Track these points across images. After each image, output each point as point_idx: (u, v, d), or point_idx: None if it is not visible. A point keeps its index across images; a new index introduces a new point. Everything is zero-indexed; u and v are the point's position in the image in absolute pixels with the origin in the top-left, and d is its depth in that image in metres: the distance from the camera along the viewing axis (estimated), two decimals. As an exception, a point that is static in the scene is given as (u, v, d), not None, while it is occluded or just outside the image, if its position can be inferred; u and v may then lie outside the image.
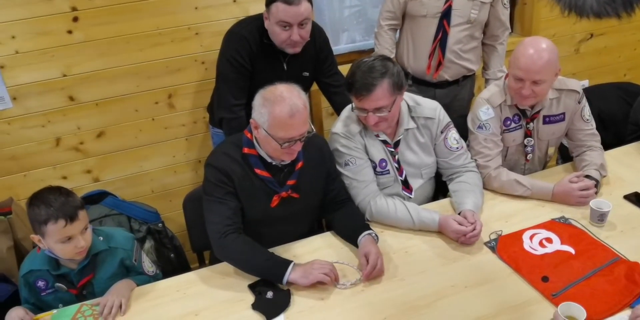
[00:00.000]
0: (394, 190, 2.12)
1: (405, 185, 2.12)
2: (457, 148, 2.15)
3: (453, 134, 2.15)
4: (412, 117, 2.10)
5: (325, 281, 1.73)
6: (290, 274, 1.74)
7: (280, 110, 1.71)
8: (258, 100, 1.78)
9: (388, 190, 2.12)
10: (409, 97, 2.12)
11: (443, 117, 2.14)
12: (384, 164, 2.09)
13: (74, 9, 2.36)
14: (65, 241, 1.68)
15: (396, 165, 2.10)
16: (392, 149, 2.09)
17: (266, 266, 1.79)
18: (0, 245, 2.24)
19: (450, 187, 2.14)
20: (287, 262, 1.77)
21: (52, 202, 1.65)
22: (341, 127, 2.08)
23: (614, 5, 1.00)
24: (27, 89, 2.43)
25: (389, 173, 2.10)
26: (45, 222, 1.64)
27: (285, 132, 1.74)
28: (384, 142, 2.08)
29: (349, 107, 2.09)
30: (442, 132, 2.13)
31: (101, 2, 2.39)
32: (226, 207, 1.84)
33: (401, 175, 2.11)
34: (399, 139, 2.08)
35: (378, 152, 2.08)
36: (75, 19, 2.38)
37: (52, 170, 2.61)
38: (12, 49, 2.34)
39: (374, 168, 2.08)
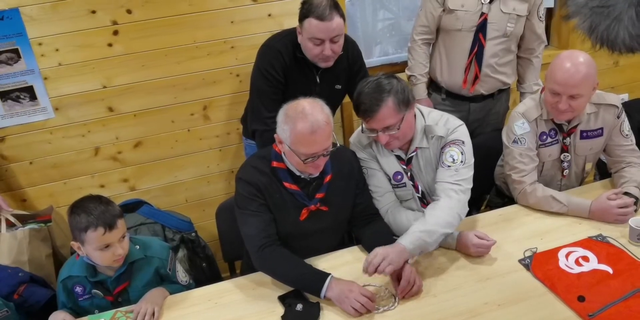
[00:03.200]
0: (413, 206, 2.09)
1: (424, 202, 2.08)
2: (449, 166, 1.96)
3: (451, 150, 1.97)
4: (427, 136, 2.02)
5: (354, 316, 1.70)
6: (327, 291, 1.74)
7: (302, 126, 1.72)
8: (281, 117, 1.79)
9: (409, 204, 2.09)
10: (430, 117, 2.03)
11: (454, 135, 1.98)
12: (398, 176, 2.06)
13: (114, 22, 2.44)
14: (104, 249, 1.73)
15: (411, 182, 2.06)
16: (405, 166, 2.05)
17: (304, 279, 1.79)
18: (40, 252, 2.30)
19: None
20: (324, 276, 1.77)
21: (93, 211, 1.70)
22: (355, 137, 2.09)
23: None
24: (68, 99, 2.51)
25: (405, 186, 2.07)
26: (85, 229, 1.69)
27: (307, 148, 1.74)
28: (398, 157, 2.05)
29: None
30: (442, 148, 2.00)
31: (140, 17, 2.46)
32: (261, 219, 1.86)
33: (418, 192, 2.07)
34: (411, 155, 2.03)
35: (391, 165, 2.05)
36: (116, 33, 2.46)
37: (91, 179, 2.68)
38: (56, 61, 2.43)
39: (389, 180, 2.06)
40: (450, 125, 2.01)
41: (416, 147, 2.02)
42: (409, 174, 2.05)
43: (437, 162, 2.04)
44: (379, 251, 1.76)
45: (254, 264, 1.87)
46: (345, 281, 1.77)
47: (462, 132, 2.02)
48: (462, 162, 1.97)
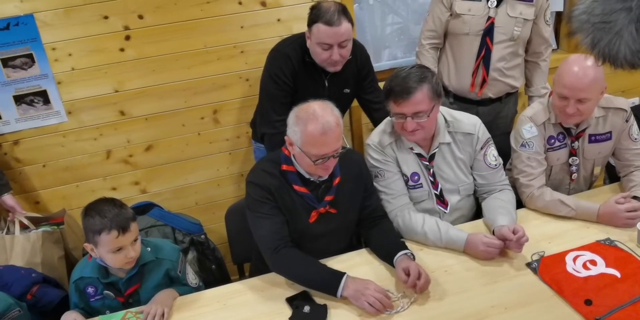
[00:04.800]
0: (428, 205, 2.11)
1: (441, 199, 2.11)
2: (496, 165, 2.14)
3: (492, 150, 2.14)
4: (450, 132, 2.09)
5: (370, 312, 1.71)
6: (343, 289, 1.75)
7: (313, 128, 1.74)
8: (292, 118, 1.81)
9: (423, 204, 2.11)
10: (447, 112, 2.12)
11: (482, 133, 2.12)
12: (416, 177, 2.08)
13: (126, 28, 2.48)
14: (116, 251, 1.75)
15: (431, 179, 2.09)
16: (427, 163, 2.08)
17: (320, 279, 1.80)
18: (52, 254, 2.34)
19: (484, 203, 2.12)
20: (340, 275, 1.78)
21: (107, 213, 1.73)
22: (374, 138, 2.11)
23: None
24: (81, 103, 2.55)
25: (421, 187, 2.09)
26: (99, 232, 1.72)
27: (318, 149, 1.77)
28: (419, 155, 2.08)
29: (386, 120, 2.11)
30: (481, 149, 2.11)
31: (152, 22, 2.50)
32: (273, 221, 1.87)
33: (436, 189, 2.10)
34: (434, 152, 2.08)
35: (410, 165, 2.08)
36: (128, 38, 2.50)
37: (103, 182, 2.72)
38: (69, 66, 2.48)
39: (406, 182, 2.08)
40: (471, 121, 2.12)
41: (439, 143, 2.05)
42: (431, 170, 2.08)
43: (463, 159, 2.10)
44: (523, 229, 1.88)
45: (268, 265, 1.89)
46: (360, 279, 1.78)
47: (484, 127, 2.14)
48: (498, 156, 2.15)
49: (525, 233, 1.87)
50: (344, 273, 1.79)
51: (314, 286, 1.82)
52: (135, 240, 1.79)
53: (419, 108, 1.91)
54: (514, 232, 1.86)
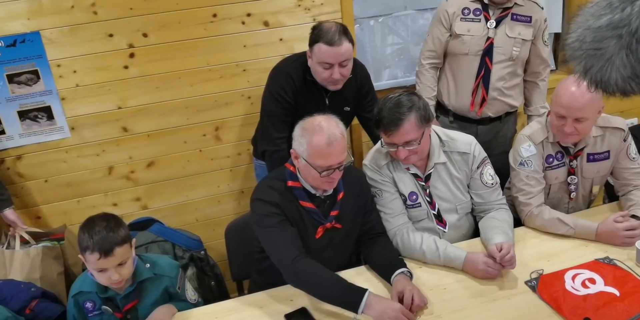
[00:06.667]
0: (428, 224, 2.12)
1: (439, 219, 2.11)
2: (492, 184, 2.14)
3: (489, 169, 2.14)
4: (445, 152, 2.10)
5: None
6: (365, 307, 1.71)
7: (319, 139, 1.77)
8: (297, 131, 1.84)
9: (422, 224, 2.11)
10: (442, 132, 2.14)
11: (479, 152, 2.12)
12: (414, 196, 2.09)
13: (130, 46, 2.52)
14: (101, 271, 1.74)
15: (428, 199, 2.10)
16: (423, 183, 2.09)
17: (340, 294, 1.76)
18: (51, 270, 2.34)
19: (481, 223, 2.12)
20: (362, 291, 1.74)
21: (95, 234, 1.71)
22: (370, 159, 2.13)
23: (638, 80, 0.95)
24: (84, 120, 2.58)
25: (420, 206, 2.10)
26: (84, 250, 1.72)
27: (324, 160, 1.79)
28: (415, 175, 2.09)
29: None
30: (478, 168, 2.12)
31: (156, 40, 2.54)
32: (286, 233, 1.85)
33: (434, 209, 2.10)
34: (430, 172, 2.09)
35: (408, 185, 2.09)
36: (132, 56, 2.54)
37: (104, 197, 2.73)
38: (73, 82, 2.51)
39: (404, 201, 2.09)
40: (466, 140, 2.12)
41: (435, 163, 2.06)
42: (427, 190, 2.08)
43: (460, 178, 2.10)
44: (510, 246, 1.88)
45: (285, 277, 1.84)
46: (385, 299, 1.75)
47: (480, 146, 2.14)
48: (495, 175, 2.15)
49: (512, 250, 1.86)
50: (366, 289, 1.75)
51: (333, 301, 1.78)
52: (122, 264, 1.75)
53: (409, 137, 1.93)
54: (500, 250, 1.86)
